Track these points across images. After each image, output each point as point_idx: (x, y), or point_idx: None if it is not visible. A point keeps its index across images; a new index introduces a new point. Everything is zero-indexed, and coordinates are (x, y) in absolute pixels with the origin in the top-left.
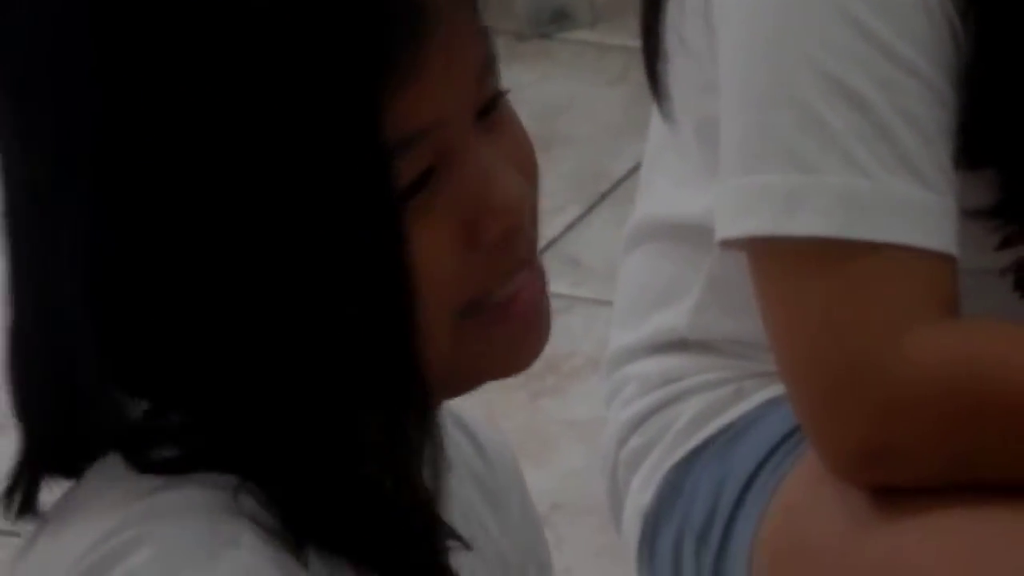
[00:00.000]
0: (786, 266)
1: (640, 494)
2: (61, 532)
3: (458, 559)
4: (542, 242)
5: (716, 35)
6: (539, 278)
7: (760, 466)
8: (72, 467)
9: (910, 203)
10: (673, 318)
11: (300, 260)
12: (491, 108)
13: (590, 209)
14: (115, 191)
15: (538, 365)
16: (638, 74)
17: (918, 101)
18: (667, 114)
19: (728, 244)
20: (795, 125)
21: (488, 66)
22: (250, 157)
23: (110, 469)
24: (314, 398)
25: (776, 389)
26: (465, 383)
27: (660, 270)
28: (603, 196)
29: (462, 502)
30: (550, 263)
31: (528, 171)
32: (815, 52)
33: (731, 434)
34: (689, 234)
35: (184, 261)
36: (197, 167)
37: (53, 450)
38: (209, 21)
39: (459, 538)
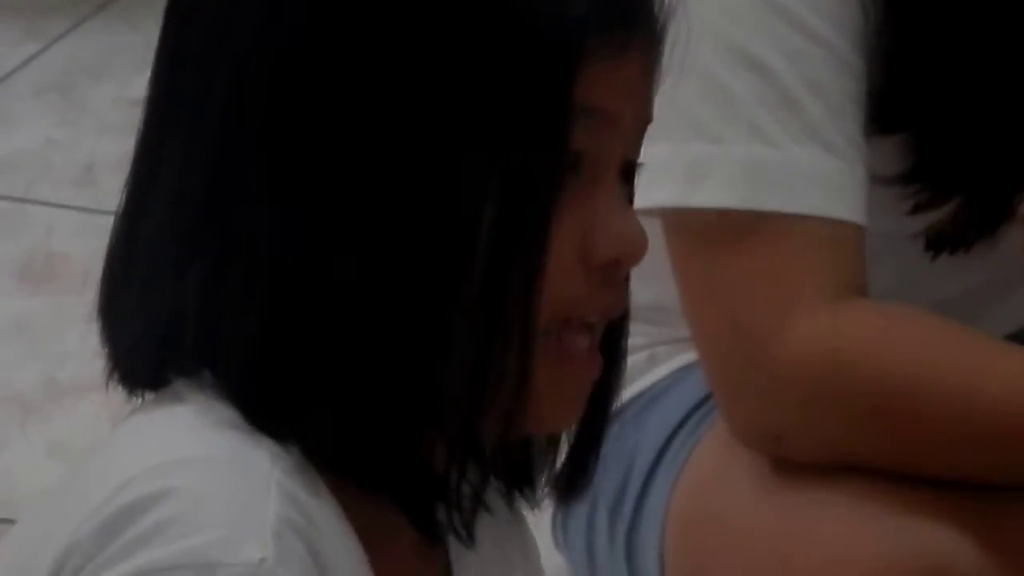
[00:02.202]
0: (695, 237)
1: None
2: (102, 459)
3: None
4: None
5: None
6: (597, 362)
7: (673, 434)
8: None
9: (817, 172)
10: None
11: (467, 197)
12: (630, 178)
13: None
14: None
15: None
16: None
17: (824, 69)
18: None
19: (640, 212)
20: (699, 94)
21: (647, 123)
22: (456, 93)
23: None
24: (416, 338)
25: (689, 356)
26: (519, 409)
27: None
28: None
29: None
30: None
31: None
32: (719, 21)
33: (644, 401)
34: None
35: (349, 197)
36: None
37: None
38: None
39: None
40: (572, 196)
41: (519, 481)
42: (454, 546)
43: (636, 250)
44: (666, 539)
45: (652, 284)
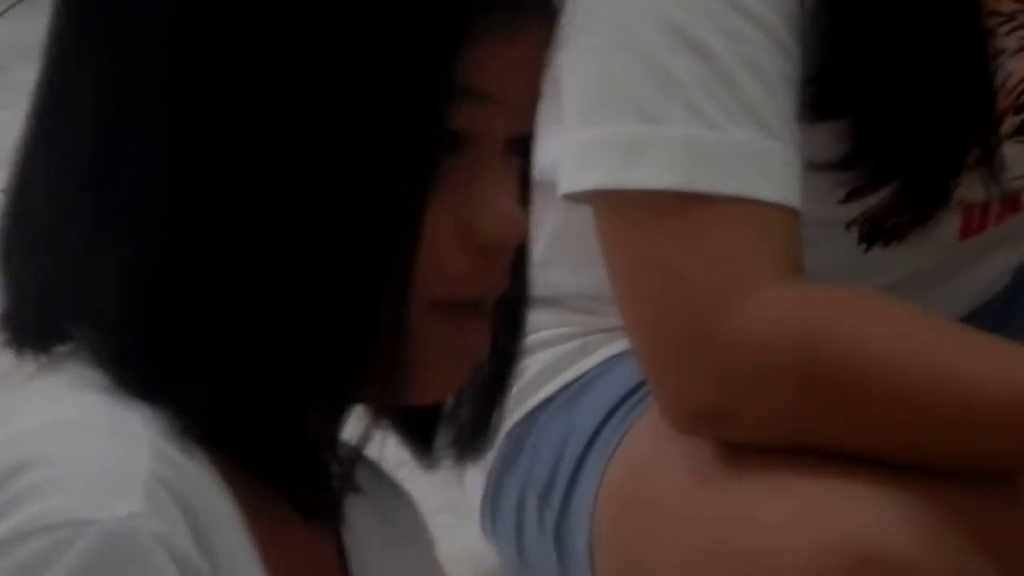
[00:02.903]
0: (630, 219)
1: None
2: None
3: None
4: None
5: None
6: (485, 334)
7: (604, 422)
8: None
9: (755, 153)
10: None
11: (342, 172)
12: (519, 154)
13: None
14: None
15: None
16: None
17: (763, 52)
18: None
19: (572, 198)
20: (638, 75)
21: (536, 103)
22: (334, 69)
23: (49, 369)
24: (298, 297)
25: (620, 344)
26: (398, 380)
27: None
28: None
29: (363, 528)
30: None
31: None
32: (659, 2)
33: (575, 389)
34: (535, 187)
35: (229, 172)
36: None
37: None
38: None
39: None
40: (452, 176)
41: (420, 443)
42: (348, 530)
43: (517, 230)
44: (597, 524)
45: (584, 273)
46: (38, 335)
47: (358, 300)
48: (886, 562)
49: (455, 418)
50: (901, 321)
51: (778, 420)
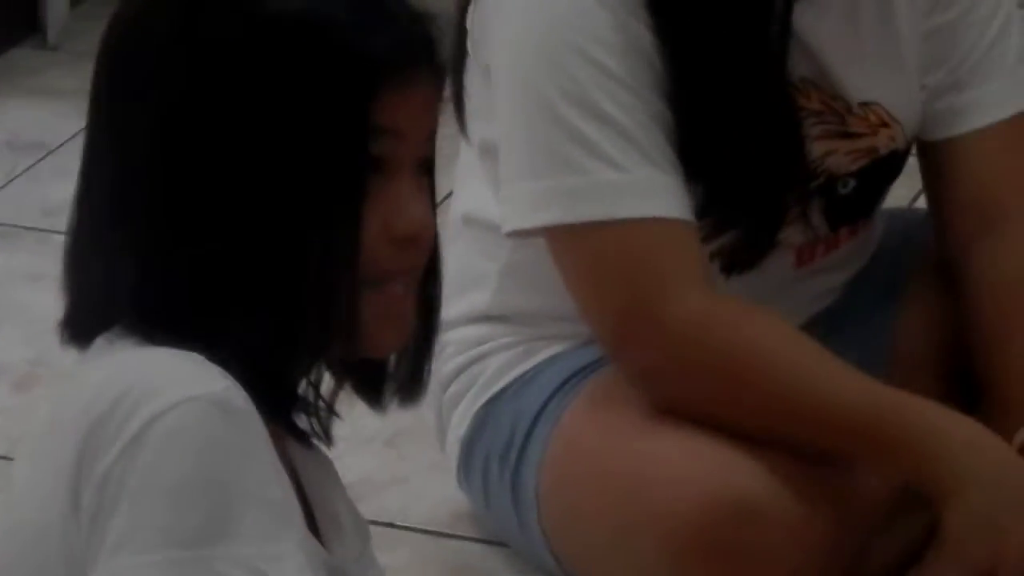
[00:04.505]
0: (575, 245)
1: (458, 427)
2: (85, 372)
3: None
4: None
5: (490, 79)
6: (412, 303)
7: (544, 405)
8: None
9: (657, 185)
10: (480, 298)
11: (294, 193)
12: (426, 171)
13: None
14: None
15: None
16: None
17: (646, 116)
18: (467, 140)
19: (519, 234)
20: (564, 140)
21: (434, 136)
22: (280, 119)
23: (104, 345)
24: (271, 288)
25: (556, 348)
26: (351, 339)
27: (470, 259)
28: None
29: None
30: None
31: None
32: (567, 85)
33: (522, 382)
34: (488, 231)
35: (211, 195)
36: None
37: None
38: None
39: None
40: (377, 188)
41: (372, 394)
42: (295, 453)
43: (425, 226)
44: (541, 478)
45: (528, 297)
46: (90, 328)
47: (321, 281)
48: (757, 510)
49: (396, 374)
50: (779, 334)
51: (684, 389)
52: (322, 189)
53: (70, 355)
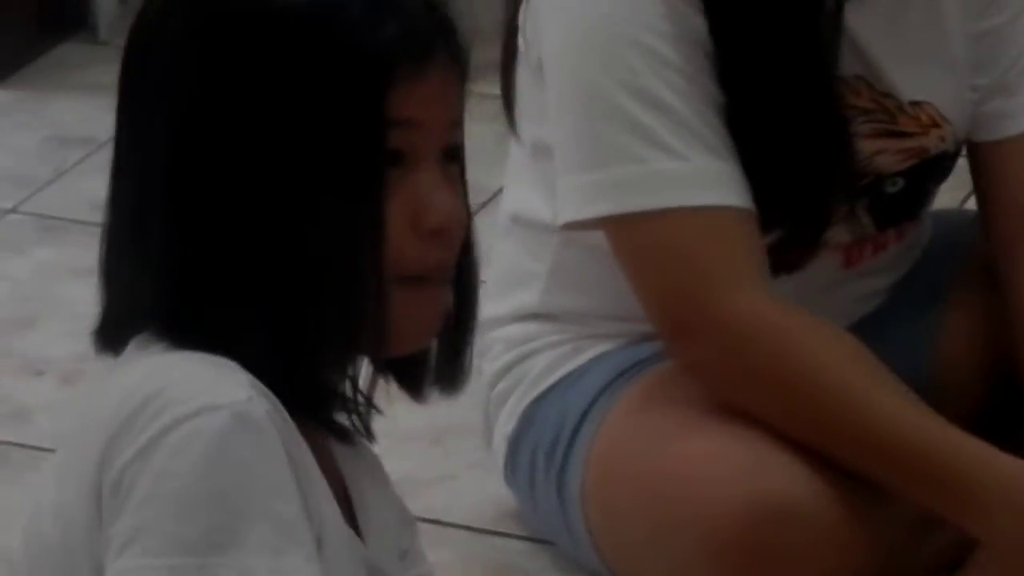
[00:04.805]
0: (634, 235)
1: (505, 424)
2: (117, 376)
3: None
4: None
5: (543, 76)
6: (445, 297)
7: (591, 404)
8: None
9: (716, 173)
10: (528, 296)
11: (313, 191)
12: (451, 161)
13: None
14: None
15: None
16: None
17: (702, 103)
18: (518, 139)
19: (575, 225)
20: (621, 130)
21: (459, 121)
22: (293, 115)
23: (136, 348)
24: (301, 293)
25: (603, 347)
26: (382, 337)
27: (519, 258)
28: (482, 205)
29: (343, 456)
30: None
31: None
32: (623, 74)
33: (570, 380)
34: (537, 230)
35: (229, 196)
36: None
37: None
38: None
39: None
40: (399, 181)
41: (413, 386)
42: (339, 455)
43: (456, 217)
44: (586, 476)
45: (576, 296)
46: (121, 335)
47: (345, 280)
48: (795, 512)
49: (437, 364)
50: (835, 349)
51: (732, 385)
52: (341, 185)
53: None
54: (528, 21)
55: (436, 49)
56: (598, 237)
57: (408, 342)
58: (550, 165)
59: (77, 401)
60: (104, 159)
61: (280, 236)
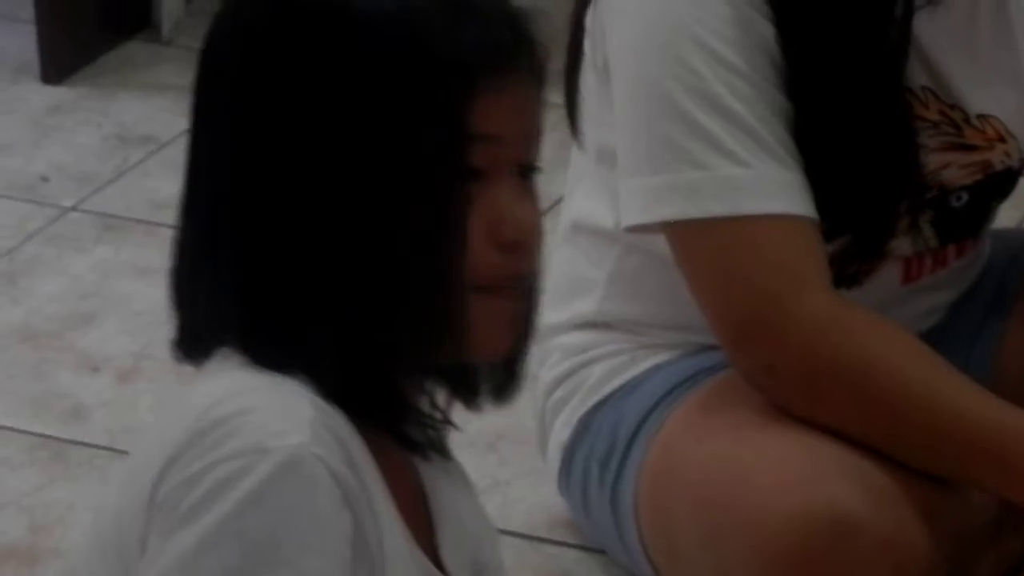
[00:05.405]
0: (697, 240)
1: (561, 433)
2: (194, 390)
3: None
4: None
5: (608, 79)
6: (519, 307)
7: (647, 414)
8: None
9: (781, 181)
10: (586, 304)
11: (393, 205)
12: (528, 174)
13: None
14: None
15: None
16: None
17: (768, 111)
18: (581, 145)
19: (638, 229)
20: (685, 134)
21: (538, 136)
22: (374, 128)
23: (221, 360)
24: (379, 308)
25: (660, 357)
26: (460, 346)
27: (577, 266)
28: (543, 213)
29: (426, 468)
30: None
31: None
32: (689, 79)
33: (626, 390)
34: (597, 238)
35: (307, 206)
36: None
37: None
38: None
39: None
40: (479, 196)
41: (468, 394)
42: (421, 467)
43: (531, 231)
44: (640, 486)
45: (634, 305)
46: (201, 347)
47: (425, 288)
48: (852, 523)
49: (491, 373)
50: (909, 349)
51: (804, 391)
52: (421, 198)
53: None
54: (595, 22)
55: (516, 60)
56: (660, 244)
57: (485, 351)
58: (614, 171)
59: (135, 400)
60: (166, 158)
61: (359, 247)
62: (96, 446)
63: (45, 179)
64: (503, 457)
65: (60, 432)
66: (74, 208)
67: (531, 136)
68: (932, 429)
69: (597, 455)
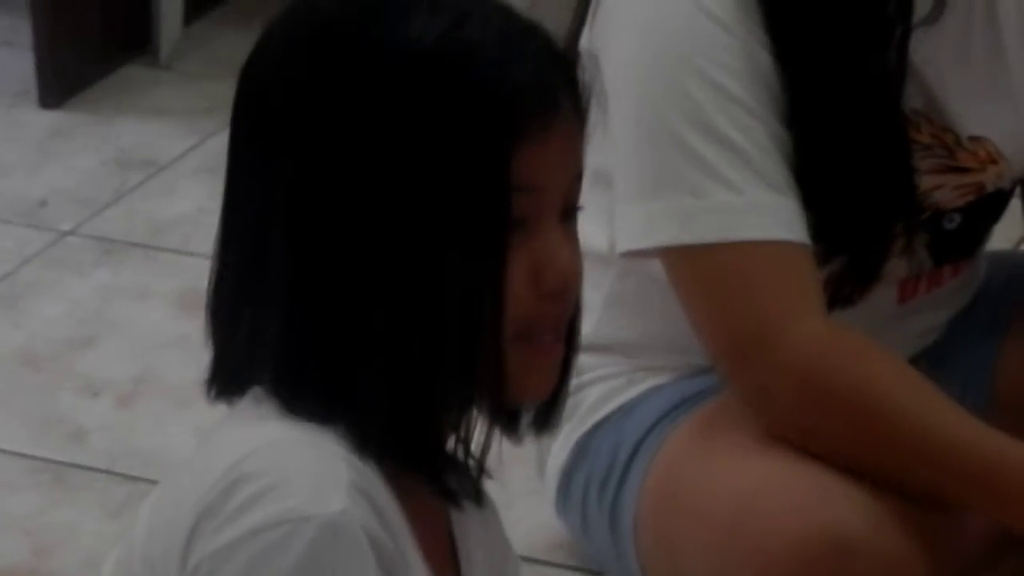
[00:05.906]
0: (692, 265)
1: (558, 455)
2: (214, 444)
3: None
4: None
5: (603, 102)
6: (560, 351)
7: (645, 436)
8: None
9: (775, 208)
10: (582, 327)
11: (434, 252)
12: (569, 216)
13: None
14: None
15: None
16: None
17: (765, 138)
18: None
19: (633, 254)
20: (682, 161)
21: (579, 179)
22: (424, 180)
23: (251, 403)
24: (422, 356)
25: (657, 379)
26: (501, 392)
27: None
28: None
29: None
30: None
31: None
32: (687, 106)
33: (624, 412)
34: (593, 260)
35: (350, 251)
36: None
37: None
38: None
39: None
40: (520, 244)
41: (509, 427)
42: (451, 511)
43: (573, 277)
44: (639, 507)
45: (631, 328)
46: (235, 386)
47: (465, 338)
48: (854, 547)
49: (532, 408)
50: (902, 374)
51: (798, 416)
52: (463, 247)
53: (174, 373)
54: (591, 45)
55: (561, 103)
56: (656, 267)
57: (525, 396)
58: (609, 193)
59: (134, 423)
60: (164, 182)
61: (400, 295)
62: (96, 469)
63: (44, 203)
64: (502, 479)
65: (61, 455)
66: (73, 232)
67: (574, 179)
68: (925, 455)
69: (595, 477)
